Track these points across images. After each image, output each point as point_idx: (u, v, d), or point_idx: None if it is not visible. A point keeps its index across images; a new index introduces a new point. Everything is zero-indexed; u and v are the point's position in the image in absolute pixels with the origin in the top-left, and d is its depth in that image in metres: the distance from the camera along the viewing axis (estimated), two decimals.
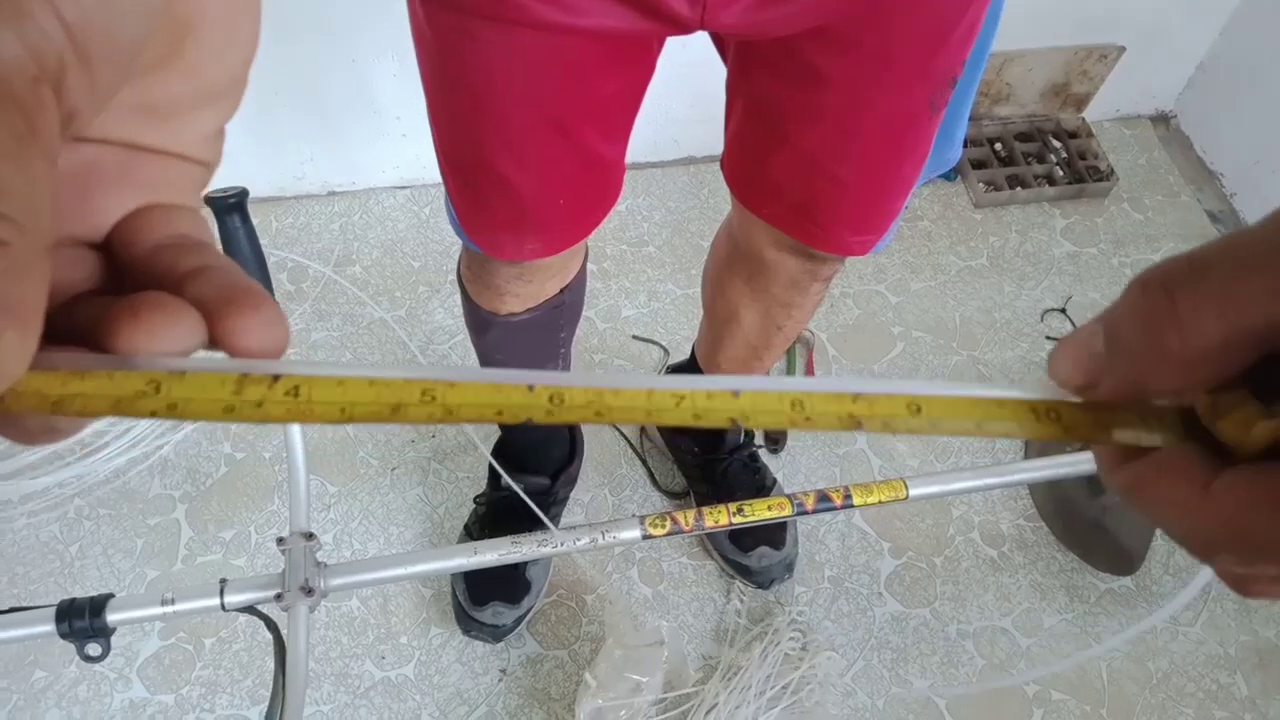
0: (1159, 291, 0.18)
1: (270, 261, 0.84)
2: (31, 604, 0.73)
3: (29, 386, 0.22)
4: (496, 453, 1.33)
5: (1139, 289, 0.19)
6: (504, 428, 1.29)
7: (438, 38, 0.71)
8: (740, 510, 0.84)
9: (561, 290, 0.98)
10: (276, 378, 0.23)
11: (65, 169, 0.23)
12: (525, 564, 1.29)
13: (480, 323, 1.03)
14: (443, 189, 0.87)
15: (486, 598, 1.26)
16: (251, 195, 0.83)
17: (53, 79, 0.18)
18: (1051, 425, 0.22)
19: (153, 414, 0.22)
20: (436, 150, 0.82)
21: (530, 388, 0.23)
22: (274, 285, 1.38)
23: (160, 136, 0.24)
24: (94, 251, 0.24)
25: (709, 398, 0.23)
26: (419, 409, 0.23)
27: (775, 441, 1.49)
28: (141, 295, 0.22)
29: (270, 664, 0.70)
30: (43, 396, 0.22)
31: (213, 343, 0.22)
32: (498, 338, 1.04)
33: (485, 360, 1.15)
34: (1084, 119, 1.92)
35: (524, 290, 0.94)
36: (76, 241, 0.24)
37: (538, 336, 1.05)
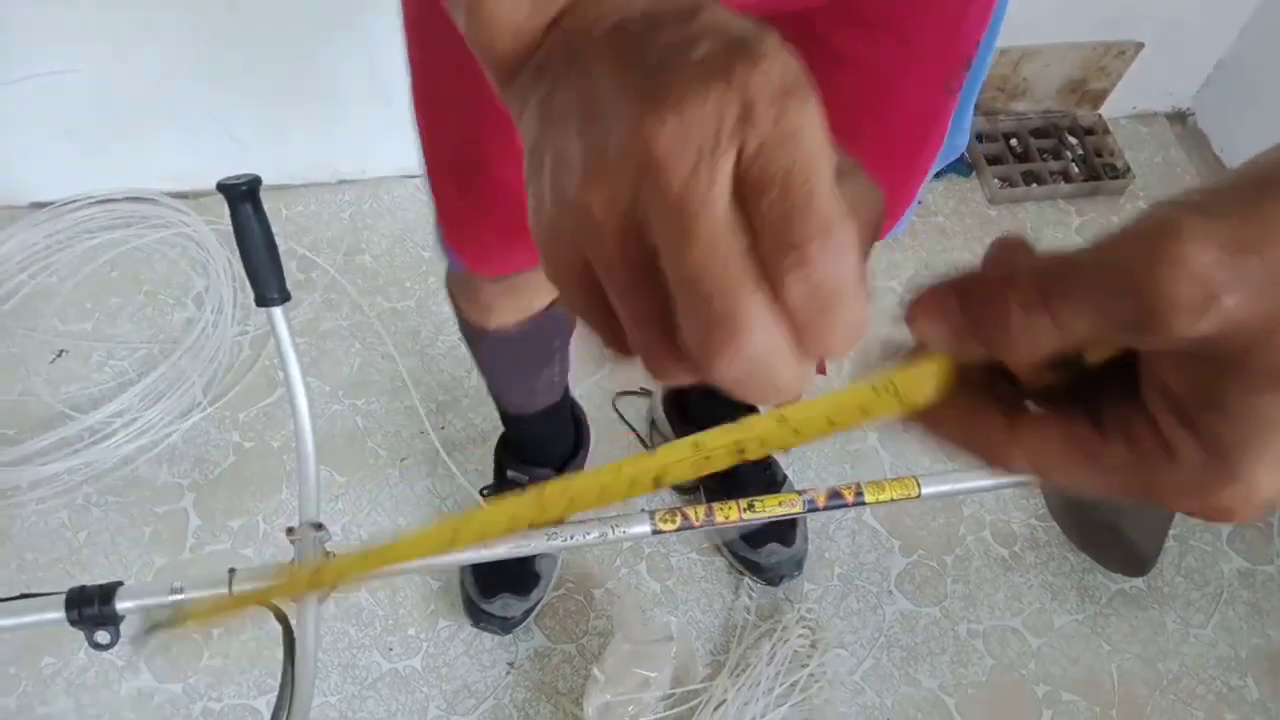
0: (1016, 308, 0.24)
1: (279, 249, 0.84)
2: (40, 590, 0.73)
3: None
4: (502, 445, 1.32)
5: (1001, 292, 0.25)
6: (506, 421, 1.27)
7: (437, 30, 0.68)
8: (750, 506, 0.83)
9: (551, 303, 0.96)
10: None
11: None
12: (534, 557, 1.29)
13: (470, 336, 1.02)
14: (431, 206, 0.83)
15: (495, 590, 1.25)
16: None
17: None
18: (888, 397, 0.27)
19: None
20: (425, 157, 0.79)
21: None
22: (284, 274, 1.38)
23: None
24: None
25: (634, 463, 0.28)
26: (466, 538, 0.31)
27: None
28: None
29: (278, 655, 0.70)
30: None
31: None
32: (489, 350, 1.04)
33: (482, 366, 1.14)
34: (1101, 115, 1.90)
35: (512, 304, 0.92)
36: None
37: (530, 347, 1.03)
